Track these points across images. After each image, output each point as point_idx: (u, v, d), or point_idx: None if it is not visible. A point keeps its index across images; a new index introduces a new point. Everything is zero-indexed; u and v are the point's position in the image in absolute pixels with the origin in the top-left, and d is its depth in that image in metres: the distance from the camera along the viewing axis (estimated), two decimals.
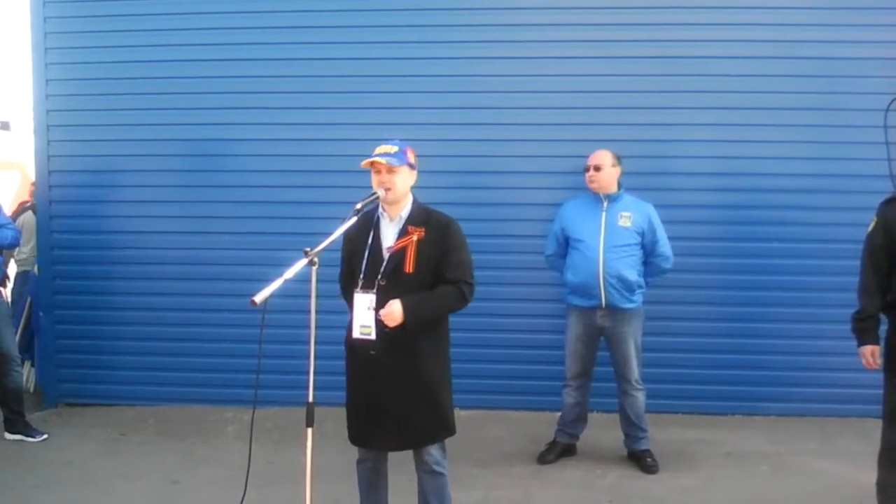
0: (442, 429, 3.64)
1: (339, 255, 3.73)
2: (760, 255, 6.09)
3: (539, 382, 6.05)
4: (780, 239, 6.07)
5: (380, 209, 3.62)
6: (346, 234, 3.52)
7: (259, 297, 2.97)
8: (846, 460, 5.20)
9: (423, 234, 3.53)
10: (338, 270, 3.76)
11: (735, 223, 6.12)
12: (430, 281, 3.52)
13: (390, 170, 3.49)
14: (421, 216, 3.60)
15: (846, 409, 5.96)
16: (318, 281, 3.24)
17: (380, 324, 3.42)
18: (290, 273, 3.08)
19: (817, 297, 5.99)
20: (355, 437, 3.66)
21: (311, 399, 3.26)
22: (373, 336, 3.45)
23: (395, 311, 3.36)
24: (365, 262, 3.55)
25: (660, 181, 5.98)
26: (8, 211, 6.84)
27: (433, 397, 3.58)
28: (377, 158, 3.49)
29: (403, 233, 3.55)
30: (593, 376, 5.27)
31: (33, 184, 7.56)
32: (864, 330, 3.97)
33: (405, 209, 3.61)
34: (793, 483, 4.88)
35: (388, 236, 3.58)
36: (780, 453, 5.39)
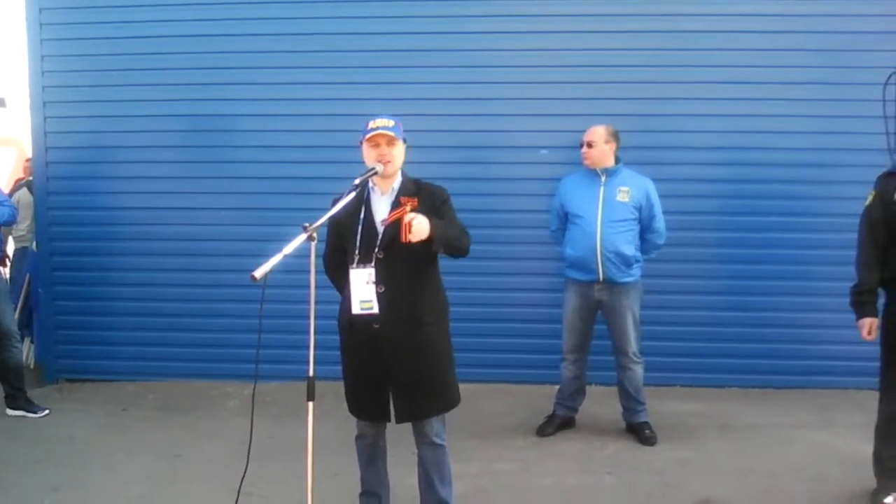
0: (446, 400, 3.66)
1: None
2: (759, 228, 6.09)
3: (537, 356, 6.08)
4: (779, 213, 6.08)
5: (370, 184, 3.60)
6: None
7: (259, 273, 2.96)
8: (844, 432, 5.23)
9: (416, 203, 3.53)
10: None
11: (733, 197, 6.12)
12: (426, 249, 3.52)
13: (390, 142, 3.49)
14: (412, 187, 3.59)
15: (844, 381, 5.99)
16: (317, 256, 3.24)
17: (383, 296, 3.41)
18: (289, 248, 3.07)
19: (815, 271, 6.02)
20: (357, 411, 3.68)
21: (311, 373, 3.28)
22: (375, 310, 3.45)
23: (423, 222, 3.29)
24: (359, 237, 3.53)
25: (659, 155, 5.98)
26: (5, 188, 6.84)
27: (438, 368, 3.60)
28: (381, 130, 3.48)
29: (396, 205, 3.54)
30: (591, 350, 5.29)
31: (28, 160, 7.55)
32: (862, 303, 4.00)
33: (396, 182, 3.60)
34: (790, 454, 4.91)
35: (381, 210, 3.57)
36: (777, 425, 5.42)
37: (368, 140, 3.51)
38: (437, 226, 3.35)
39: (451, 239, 3.47)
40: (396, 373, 3.52)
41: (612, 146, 5.07)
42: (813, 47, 5.99)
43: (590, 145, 5.04)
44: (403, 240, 3.33)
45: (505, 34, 6.11)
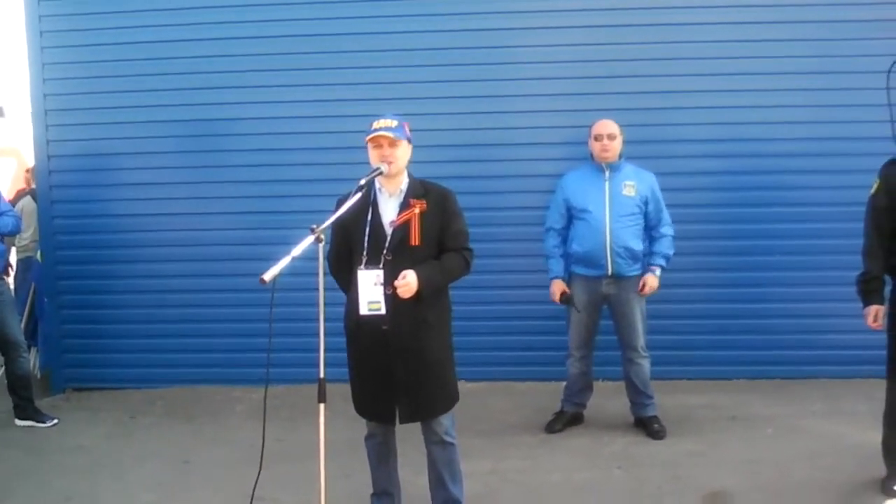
0: (449, 398, 3.69)
1: None
2: (763, 219, 6.10)
3: (542, 353, 6.08)
4: (783, 203, 6.09)
5: (376, 185, 3.61)
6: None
7: (268, 276, 2.97)
8: (851, 421, 5.23)
9: (424, 206, 3.55)
10: None
11: (737, 189, 6.12)
12: (435, 252, 3.56)
13: (392, 143, 3.50)
14: (420, 189, 3.61)
15: (850, 370, 5.99)
16: (325, 258, 3.26)
17: (391, 297, 3.43)
18: (297, 250, 3.08)
19: (821, 260, 6.01)
20: (365, 412, 3.70)
21: (322, 375, 3.28)
22: (383, 311, 3.47)
23: (411, 282, 3.38)
24: (367, 238, 3.55)
25: (660, 149, 5.97)
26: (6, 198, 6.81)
27: (442, 368, 3.64)
28: (381, 132, 3.49)
29: (405, 206, 3.56)
30: (597, 345, 5.29)
31: (29, 170, 7.52)
32: (869, 291, 4.01)
33: (403, 183, 3.62)
34: (798, 444, 4.91)
35: (389, 211, 3.59)
36: (785, 415, 5.42)
37: (371, 140, 3.54)
38: (424, 279, 3.44)
39: (439, 285, 3.58)
40: (402, 374, 3.54)
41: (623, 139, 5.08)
42: (813, 37, 5.98)
43: (611, 137, 4.99)
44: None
45: (503, 31, 6.11)
